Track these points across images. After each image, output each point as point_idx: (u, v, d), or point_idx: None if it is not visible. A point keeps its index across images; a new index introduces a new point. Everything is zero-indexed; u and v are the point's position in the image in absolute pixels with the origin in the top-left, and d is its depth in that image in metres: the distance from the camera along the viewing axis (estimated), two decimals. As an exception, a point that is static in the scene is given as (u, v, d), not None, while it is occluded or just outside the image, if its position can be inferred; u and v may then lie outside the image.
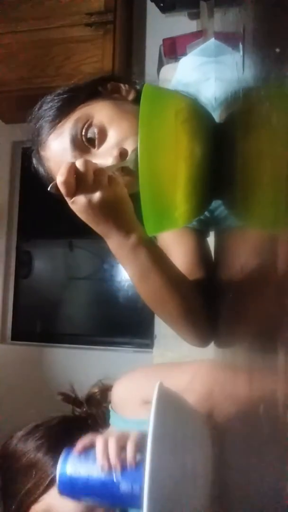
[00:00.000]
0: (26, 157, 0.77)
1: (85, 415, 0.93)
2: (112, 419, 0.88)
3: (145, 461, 0.52)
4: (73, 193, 0.54)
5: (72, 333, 2.35)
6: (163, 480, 0.53)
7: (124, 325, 2.25)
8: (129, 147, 0.63)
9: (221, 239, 0.68)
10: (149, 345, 1.81)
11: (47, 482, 0.77)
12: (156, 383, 0.83)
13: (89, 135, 0.66)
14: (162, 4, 1.91)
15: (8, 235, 2.40)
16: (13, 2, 2.03)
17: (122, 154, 0.63)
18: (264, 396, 0.22)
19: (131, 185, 0.58)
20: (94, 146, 0.66)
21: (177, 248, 0.80)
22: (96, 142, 0.66)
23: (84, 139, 0.66)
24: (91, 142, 0.66)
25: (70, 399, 0.95)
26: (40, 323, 2.42)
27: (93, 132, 0.66)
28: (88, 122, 0.66)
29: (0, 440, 0.90)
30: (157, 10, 1.97)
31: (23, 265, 2.43)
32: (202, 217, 0.83)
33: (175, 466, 0.56)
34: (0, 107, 2.11)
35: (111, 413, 0.89)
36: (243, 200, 0.32)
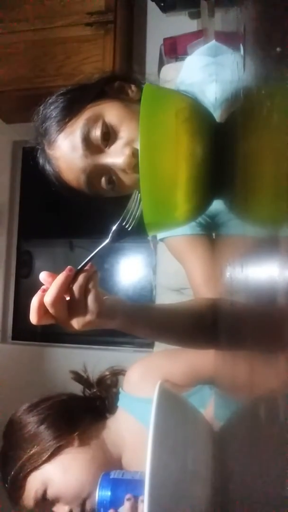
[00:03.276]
0: (29, 156, 0.77)
1: (94, 397, 0.94)
2: (122, 401, 0.89)
3: (146, 461, 0.52)
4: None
5: (72, 333, 2.34)
6: (163, 480, 0.53)
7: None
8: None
9: (222, 242, 0.68)
10: (149, 345, 1.81)
11: (50, 452, 0.79)
12: (179, 360, 0.86)
13: None
14: (162, 4, 1.91)
15: (9, 235, 2.40)
16: (14, 1, 2.03)
17: (135, 154, 0.64)
18: (265, 396, 0.22)
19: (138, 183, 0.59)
20: (105, 145, 0.67)
21: (191, 256, 0.83)
22: (108, 142, 0.67)
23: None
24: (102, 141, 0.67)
25: (81, 379, 0.95)
26: (40, 323, 2.42)
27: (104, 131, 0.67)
28: (99, 122, 0.67)
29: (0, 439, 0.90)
30: (157, 9, 1.97)
31: (24, 265, 2.43)
32: (203, 222, 0.84)
33: (175, 466, 0.56)
34: (0, 107, 2.11)
35: (121, 395, 0.90)
36: (244, 200, 0.32)
